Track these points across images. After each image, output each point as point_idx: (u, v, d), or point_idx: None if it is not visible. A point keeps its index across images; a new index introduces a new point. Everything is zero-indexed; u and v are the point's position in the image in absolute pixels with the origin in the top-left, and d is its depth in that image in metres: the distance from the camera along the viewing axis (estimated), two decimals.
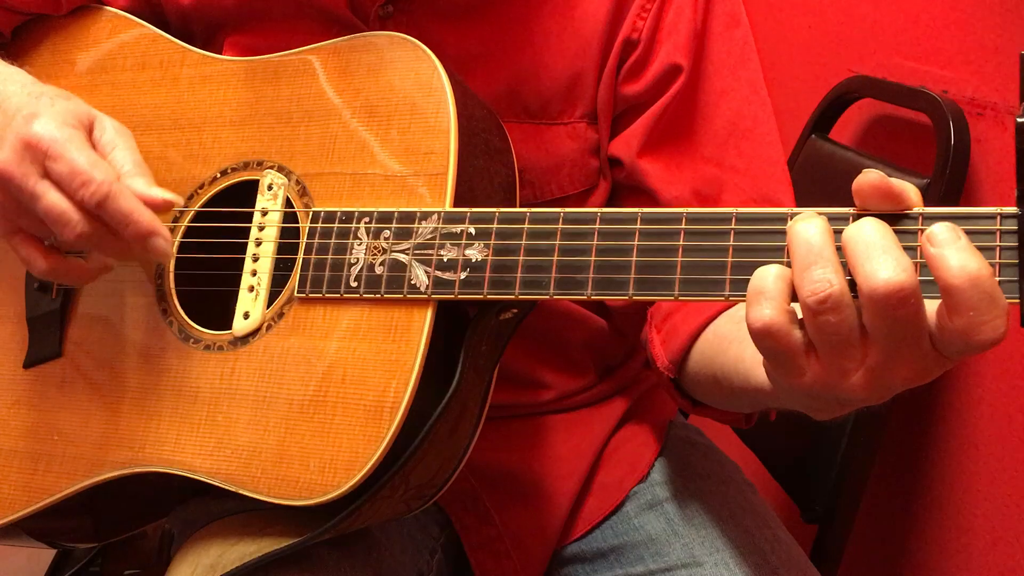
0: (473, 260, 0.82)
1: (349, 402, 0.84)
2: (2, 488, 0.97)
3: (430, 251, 0.83)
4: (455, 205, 0.85)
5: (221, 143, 0.97)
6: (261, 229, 0.92)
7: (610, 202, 1.06)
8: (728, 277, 0.72)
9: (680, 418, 1.22)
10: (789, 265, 0.68)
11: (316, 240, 0.88)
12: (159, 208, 0.88)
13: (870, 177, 0.67)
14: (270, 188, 0.93)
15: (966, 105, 1.23)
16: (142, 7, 1.07)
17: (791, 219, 0.68)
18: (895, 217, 0.67)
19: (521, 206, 0.90)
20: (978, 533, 1.26)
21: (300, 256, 0.88)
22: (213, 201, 0.96)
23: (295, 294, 0.88)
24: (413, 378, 0.82)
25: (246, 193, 0.94)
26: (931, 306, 0.64)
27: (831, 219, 0.67)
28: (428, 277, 0.83)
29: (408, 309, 0.84)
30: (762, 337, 0.66)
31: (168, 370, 0.92)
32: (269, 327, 0.89)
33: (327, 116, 0.93)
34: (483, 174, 0.90)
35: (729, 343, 0.88)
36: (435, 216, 0.84)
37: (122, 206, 0.85)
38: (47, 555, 1.53)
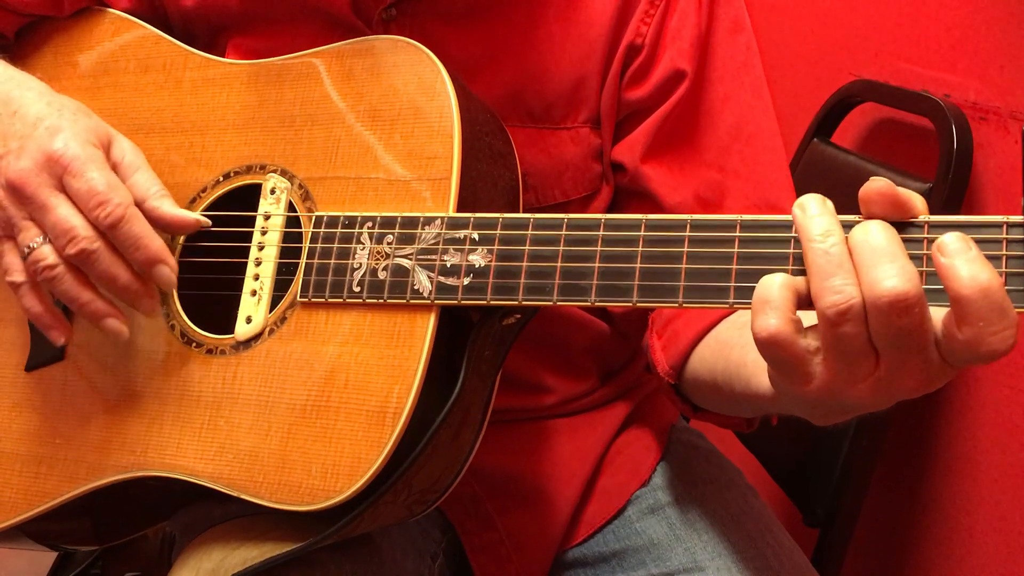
0: (477, 265, 0.82)
1: (351, 407, 0.84)
2: (4, 491, 0.97)
3: (433, 256, 0.83)
4: (459, 209, 0.85)
5: (224, 147, 0.97)
6: (264, 233, 0.92)
7: (612, 207, 1.06)
8: (732, 284, 0.72)
9: (682, 422, 1.22)
10: (794, 273, 0.68)
11: (319, 244, 0.88)
12: (189, 228, 0.92)
13: (877, 184, 0.67)
14: (273, 192, 0.93)
15: (968, 109, 1.23)
16: (145, 9, 1.07)
17: (800, 211, 0.68)
18: (901, 225, 0.67)
19: (523, 211, 0.90)
20: (979, 538, 1.26)
21: (303, 260, 0.88)
22: (216, 205, 0.96)
23: (298, 298, 0.88)
24: (416, 383, 0.82)
25: (249, 197, 0.94)
26: (937, 314, 0.64)
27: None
28: (431, 282, 0.83)
29: (411, 314, 0.84)
30: (768, 346, 0.66)
31: (170, 374, 0.92)
32: (271, 331, 0.89)
33: (330, 120, 0.93)
34: (487, 178, 0.90)
35: (731, 349, 0.88)
36: (438, 221, 0.84)
37: (135, 230, 0.87)
38: (48, 558, 1.53)
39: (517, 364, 1.04)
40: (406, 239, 0.85)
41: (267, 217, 0.92)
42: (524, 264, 0.80)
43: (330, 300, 0.87)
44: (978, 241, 0.64)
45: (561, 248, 0.79)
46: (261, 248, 0.92)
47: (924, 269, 0.66)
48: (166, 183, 0.93)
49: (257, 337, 0.89)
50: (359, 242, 0.86)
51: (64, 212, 0.86)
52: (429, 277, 0.83)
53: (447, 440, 0.84)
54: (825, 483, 1.24)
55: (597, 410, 1.14)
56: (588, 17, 1.00)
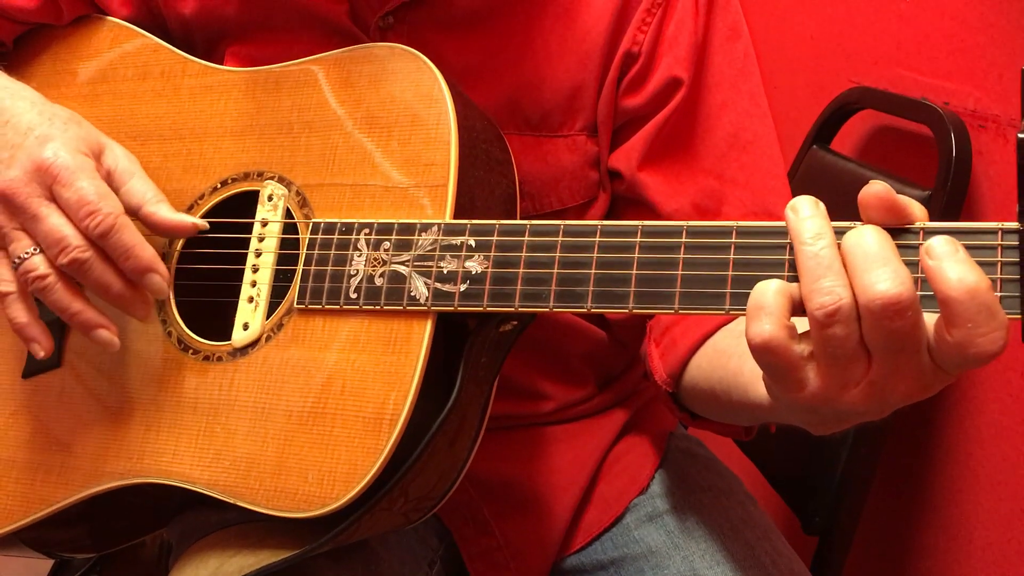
0: (473, 272, 0.82)
1: (348, 414, 0.84)
2: (0, 498, 0.97)
3: (430, 263, 0.83)
4: (456, 216, 0.85)
5: (222, 154, 0.97)
6: (261, 240, 0.92)
7: (609, 215, 1.06)
8: (728, 291, 0.72)
9: (680, 429, 1.22)
10: (790, 280, 0.68)
11: (316, 251, 0.88)
12: (187, 232, 0.92)
13: (875, 188, 0.67)
14: (270, 199, 0.93)
15: (968, 117, 1.23)
16: (144, 17, 1.07)
17: (792, 213, 0.68)
18: (896, 231, 0.67)
19: (520, 218, 0.90)
20: (978, 545, 1.26)
21: (300, 267, 0.88)
22: (213, 212, 0.96)
23: (294, 305, 0.88)
24: (412, 390, 0.82)
25: (247, 204, 0.94)
26: (931, 320, 0.64)
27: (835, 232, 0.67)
28: (428, 289, 0.83)
29: (408, 321, 0.84)
30: (762, 352, 0.66)
31: (167, 381, 0.92)
32: (268, 338, 0.89)
33: (328, 127, 0.93)
34: (484, 185, 0.90)
35: (728, 357, 0.88)
36: (435, 228, 0.84)
37: (125, 239, 0.86)
38: (45, 565, 1.53)
39: (515, 371, 1.04)
40: (403, 246, 0.85)
41: (264, 224, 0.92)
42: (520, 271, 0.80)
43: (327, 307, 0.87)
44: (973, 247, 0.64)
45: (557, 255, 0.79)
46: (258, 255, 0.92)
47: (919, 276, 0.66)
48: (163, 190, 0.93)
49: (254, 344, 0.90)
50: (356, 249, 0.87)
51: (55, 222, 0.86)
52: (426, 284, 0.83)
53: (444, 447, 0.84)
54: (824, 491, 1.24)
55: (595, 417, 1.14)
56: (585, 25, 1.00)
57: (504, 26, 1.00)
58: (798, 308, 0.67)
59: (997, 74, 1.21)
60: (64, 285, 0.87)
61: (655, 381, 0.99)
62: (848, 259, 0.64)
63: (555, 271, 0.79)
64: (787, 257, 0.70)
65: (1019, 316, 0.64)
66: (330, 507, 0.82)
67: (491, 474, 1.07)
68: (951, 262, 0.62)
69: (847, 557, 1.25)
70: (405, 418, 0.81)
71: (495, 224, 0.82)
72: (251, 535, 0.92)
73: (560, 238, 0.79)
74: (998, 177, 1.21)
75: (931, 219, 0.68)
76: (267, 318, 0.90)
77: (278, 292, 0.90)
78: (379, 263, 0.85)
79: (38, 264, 0.87)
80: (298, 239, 0.90)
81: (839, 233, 0.67)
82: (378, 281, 0.85)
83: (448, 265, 0.83)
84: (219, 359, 0.91)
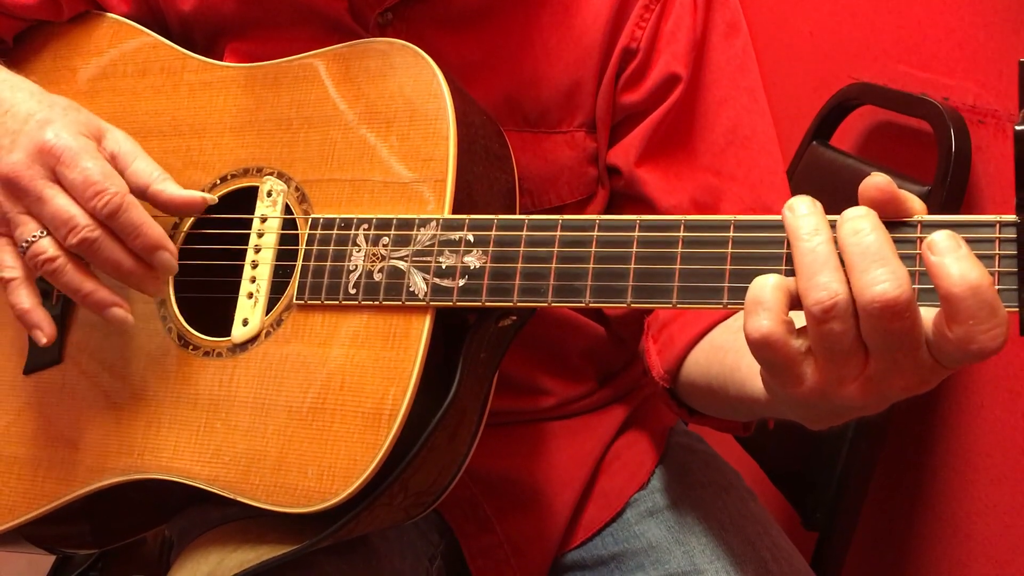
0: (471, 267, 0.82)
1: (347, 409, 0.84)
2: (2, 494, 0.97)
3: (428, 258, 0.83)
4: (455, 212, 0.85)
5: (221, 150, 0.97)
6: (260, 236, 0.92)
7: (608, 211, 1.06)
8: (726, 285, 0.72)
9: (680, 425, 1.22)
10: (787, 274, 0.68)
11: (315, 247, 0.88)
12: (198, 208, 0.92)
13: (876, 180, 0.67)
14: (269, 195, 0.93)
15: (967, 112, 1.23)
16: (143, 13, 1.07)
17: (788, 212, 0.68)
18: (894, 224, 0.67)
19: (519, 214, 0.90)
20: (978, 540, 1.26)
21: (299, 263, 0.89)
22: (213, 208, 0.96)
23: (294, 301, 0.88)
24: (411, 385, 0.82)
25: (246, 200, 0.94)
26: (928, 314, 0.64)
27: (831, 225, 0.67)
28: (426, 284, 0.83)
29: (407, 316, 0.84)
30: (760, 347, 0.66)
31: (167, 377, 0.92)
32: (268, 334, 0.89)
33: (327, 122, 0.93)
34: (483, 181, 0.90)
35: (725, 353, 0.88)
36: (433, 223, 0.84)
37: (133, 217, 0.86)
38: (47, 561, 1.54)
39: (514, 366, 1.05)
40: (401, 241, 0.85)
41: (263, 219, 0.93)
42: (519, 265, 0.80)
43: (326, 302, 0.87)
44: (971, 240, 0.64)
45: (556, 249, 0.79)
46: (257, 251, 0.92)
47: (916, 269, 0.66)
48: None
49: (254, 339, 0.90)
50: (355, 244, 0.87)
51: (62, 202, 0.85)
52: (424, 279, 0.83)
53: (443, 442, 0.84)
54: (824, 486, 1.24)
55: (595, 413, 1.14)
56: (583, 22, 1.00)
57: (502, 23, 1.00)
58: (796, 303, 0.67)
59: (997, 70, 1.21)
60: (74, 266, 0.87)
61: (653, 377, 0.99)
62: (846, 256, 0.64)
63: (553, 266, 0.79)
64: (784, 251, 0.70)
65: (1017, 309, 0.64)
66: (330, 502, 0.82)
67: (492, 470, 1.07)
68: (953, 258, 0.62)
69: (847, 552, 1.25)
70: (404, 413, 0.81)
71: (493, 219, 0.82)
72: (251, 531, 0.92)
73: (558, 233, 0.79)
74: (997, 172, 1.21)
75: (928, 215, 0.68)
76: (266, 314, 0.90)
77: (277, 288, 0.91)
78: (378, 258, 0.85)
79: (47, 247, 0.86)
80: (297, 235, 0.90)
81: (835, 226, 0.67)
82: (377, 276, 0.85)
83: (447, 260, 0.83)
84: (219, 355, 0.91)
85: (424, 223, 0.84)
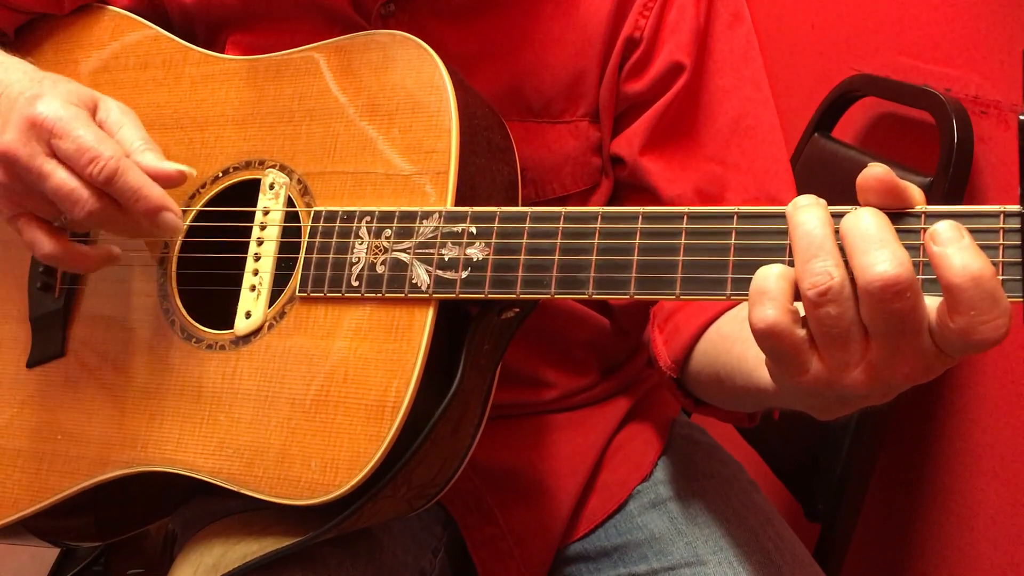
0: (474, 259, 0.82)
1: (350, 402, 0.84)
2: (6, 487, 0.97)
3: (431, 250, 0.83)
4: (457, 204, 0.85)
5: (223, 142, 0.97)
6: (263, 228, 0.92)
7: (612, 201, 1.06)
8: (730, 276, 0.72)
9: (683, 417, 1.22)
10: (791, 264, 0.68)
11: (317, 239, 0.88)
12: (174, 180, 0.88)
13: (875, 171, 0.66)
14: (272, 187, 0.93)
15: (969, 103, 1.22)
16: (144, 6, 1.07)
17: (792, 207, 0.68)
18: (897, 215, 0.67)
19: (523, 205, 0.90)
20: (981, 531, 1.26)
21: (302, 255, 0.88)
22: (215, 200, 0.96)
23: (296, 293, 0.88)
24: (414, 377, 0.82)
25: (248, 192, 0.94)
26: (933, 303, 0.64)
27: (833, 216, 0.67)
28: (429, 276, 0.83)
29: (409, 308, 0.84)
30: (765, 337, 0.66)
31: (170, 370, 0.92)
32: (271, 327, 0.89)
33: (329, 115, 0.93)
34: (485, 173, 0.90)
35: (732, 342, 0.88)
36: (436, 215, 0.84)
37: (131, 181, 0.85)
38: (51, 554, 1.54)
39: (517, 359, 1.05)
40: (404, 233, 0.85)
41: (266, 212, 0.93)
42: (522, 257, 0.80)
43: (329, 295, 0.87)
44: (975, 231, 0.64)
45: (559, 241, 0.79)
46: (260, 243, 0.92)
47: (920, 260, 0.66)
48: None
49: (256, 332, 0.90)
50: (357, 236, 0.87)
51: (61, 176, 0.84)
52: (427, 271, 0.83)
53: (446, 434, 0.84)
54: (827, 478, 1.24)
55: (598, 405, 1.14)
56: (586, 11, 1.00)
57: (505, 13, 0.99)
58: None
59: (999, 60, 1.21)
60: (106, 204, 0.86)
61: (659, 367, 0.99)
62: (846, 241, 0.64)
63: (556, 257, 0.79)
64: (788, 242, 0.70)
65: (1020, 299, 0.64)
66: (333, 495, 0.82)
67: (494, 462, 1.07)
68: (955, 248, 0.62)
69: (850, 543, 1.25)
70: (407, 406, 0.81)
71: (496, 211, 0.82)
72: (255, 523, 0.92)
73: (561, 224, 0.79)
74: (1000, 163, 1.21)
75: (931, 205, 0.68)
76: (269, 306, 0.90)
77: (280, 280, 0.91)
78: (380, 251, 0.85)
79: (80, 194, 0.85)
80: (300, 227, 0.90)
81: (838, 217, 0.67)
82: (380, 269, 0.85)
83: (449, 252, 0.83)
84: (222, 347, 0.91)
85: (427, 215, 0.84)
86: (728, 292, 0.72)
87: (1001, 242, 0.65)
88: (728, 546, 1.03)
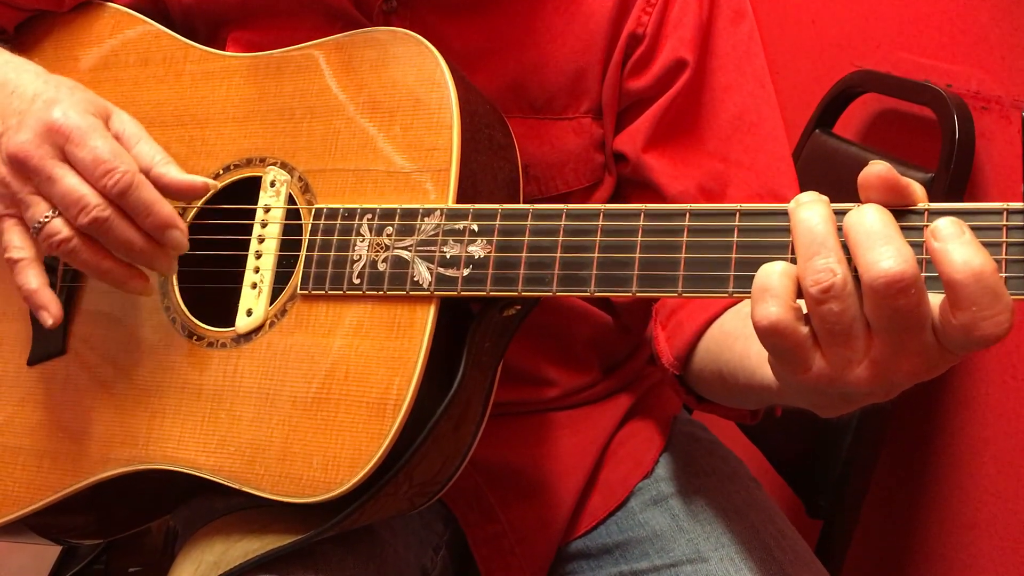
0: (476, 257, 0.82)
1: (352, 399, 0.84)
2: (7, 485, 0.97)
3: (433, 248, 0.83)
4: (458, 201, 0.85)
5: (224, 140, 0.97)
6: (264, 226, 0.92)
7: (615, 197, 1.06)
8: (732, 274, 0.72)
9: (684, 414, 1.22)
10: (794, 262, 0.67)
11: (319, 237, 0.88)
12: (199, 192, 0.90)
13: (877, 168, 0.66)
14: (273, 185, 0.93)
15: (970, 99, 1.22)
16: (145, 3, 1.07)
17: (794, 203, 0.68)
18: (900, 212, 0.67)
19: (525, 201, 0.90)
20: (983, 529, 1.26)
21: (303, 253, 0.88)
22: (216, 198, 0.96)
23: (298, 291, 0.88)
24: (416, 375, 0.82)
25: (249, 190, 0.94)
26: (936, 300, 0.64)
27: (836, 213, 0.67)
28: (431, 274, 0.83)
29: (411, 306, 0.84)
30: (768, 335, 0.66)
31: (171, 367, 0.92)
32: (272, 324, 0.89)
33: (330, 112, 0.93)
34: (486, 170, 0.90)
35: (735, 340, 0.88)
36: (438, 213, 0.84)
37: (144, 196, 0.85)
38: (52, 552, 1.54)
39: (519, 356, 1.04)
40: (405, 231, 0.85)
41: (267, 210, 0.92)
42: (523, 255, 0.80)
43: (330, 292, 0.87)
44: (978, 228, 0.64)
45: (560, 239, 0.79)
46: (261, 241, 0.92)
47: (924, 257, 0.65)
48: None
49: (258, 330, 0.90)
50: (359, 234, 0.86)
51: (72, 182, 0.85)
52: (429, 268, 0.83)
53: (448, 432, 0.84)
54: (828, 474, 1.24)
55: (599, 402, 1.14)
56: (588, 7, 0.99)
57: (507, 10, 0.99)
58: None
59: (1000, 56, 1.21)
60: (88, 245, 0.86)
61: (662, 364, 0.99)
62: (850, 238, 0.64)
63: (558, 255, 0.79)
64: (790, 239, 0.70)
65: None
66: (335, 492, 0.82)
67: (496, 460, 1.07)
68: (956, 244, 0.61)
69: (851, 540, 1.25)
70: (409, 403, 0.81)
71: (497, 208, 0.82)
72: (256, 520, 0.92)
73: (563, 222, 0.79)
74: (1001, 159, 1.20)
75: (933, 202, 0.68)
76: (270, 304, 0.90)
77: (281, 278, 0.90)
78: (382, 248, 0.85)
79: (60, 227, 0.85)
80: (301, 225, 0.90)
81: (840, 214, 0.67)
82: (381, 266, 0.85)
83: (451, 250, 0.83)
84: (223, 345, 0.91)
85: (428, 213, 0.84)
86: (731, 290, 0.72)
87: (1004, 239, 0.65)
88: (730, 543, 1.03)
